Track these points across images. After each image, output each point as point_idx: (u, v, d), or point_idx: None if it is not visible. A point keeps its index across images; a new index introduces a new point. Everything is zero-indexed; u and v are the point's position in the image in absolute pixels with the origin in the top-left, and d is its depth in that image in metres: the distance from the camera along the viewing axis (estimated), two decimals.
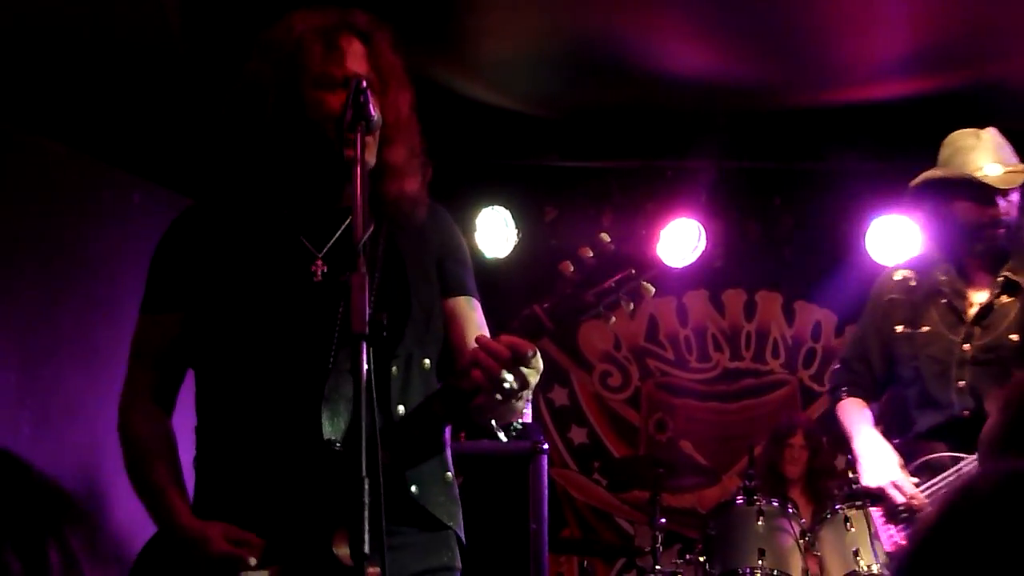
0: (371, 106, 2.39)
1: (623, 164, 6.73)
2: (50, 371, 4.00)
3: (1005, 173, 3.89)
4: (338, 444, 2.42)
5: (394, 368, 2.52)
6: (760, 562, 4.80)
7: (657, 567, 5.30)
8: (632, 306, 2.33)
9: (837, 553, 4.64)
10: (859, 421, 4.06)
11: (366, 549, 2.08)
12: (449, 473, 2.65)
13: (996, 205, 3.86)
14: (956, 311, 3.97)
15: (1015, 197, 3.89)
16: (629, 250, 2.33)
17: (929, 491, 3.89)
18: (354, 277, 2.18)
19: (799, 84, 6.13)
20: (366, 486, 2.11)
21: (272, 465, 2.47)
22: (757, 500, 4.98)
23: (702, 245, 6.49)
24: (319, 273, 2.56)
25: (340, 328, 2.49)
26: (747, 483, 5.15)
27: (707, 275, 7.01)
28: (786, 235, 7.06)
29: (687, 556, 5.31)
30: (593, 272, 2.32)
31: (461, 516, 2.67)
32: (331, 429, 2.43)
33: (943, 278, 3.99)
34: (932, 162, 5.50)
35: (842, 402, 4.14)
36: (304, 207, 2.59)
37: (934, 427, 3.92)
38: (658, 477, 5.47)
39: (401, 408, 2.52)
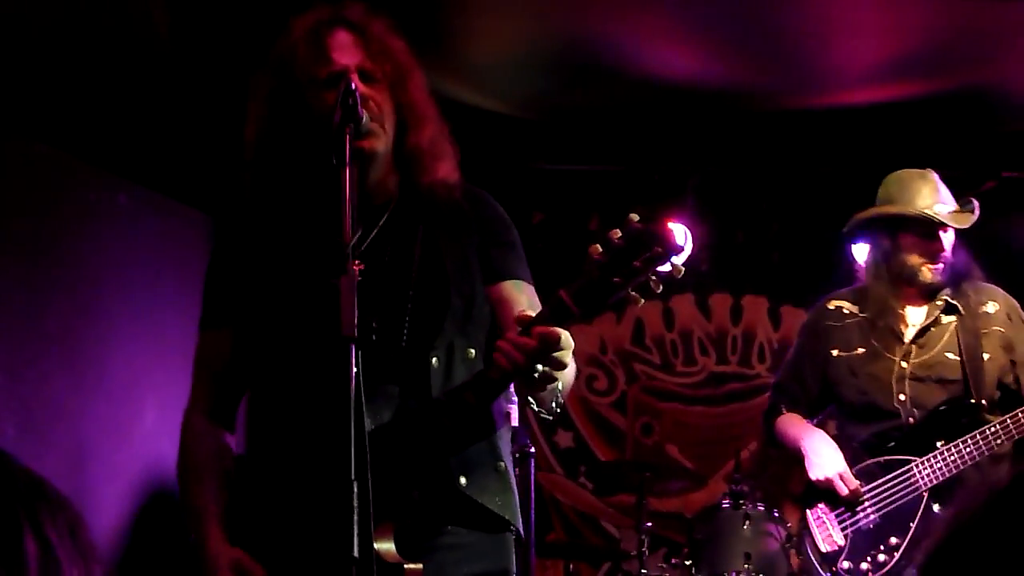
0: (359, 106, 2.39)
1: (610, 168, 6.73)
2: (34, 372, 3.98)
3: (955, 212, 4.20)
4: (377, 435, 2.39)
5: (434, 360, 2.50)
6: (746, 566, 4.80)
7: (643, 571, 5.30)
8: (661, 288, 2.25)
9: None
10: (803, 425, 4.35)
11: (355, 552, 2.07)
12: (502, 463, 2.60)
13: (939, 240, 4.17)
14: (894, 332, 4.24)
15: (952, 235, 4.20)
16: (658, 230, 2.23)
17: (871, 495, 4.16)
18: (343, 280, 2.18)
19: (786, 88, 6.14)
20: (355, 489, 2.10)
21: (306, 471, 2.45)
22: (743, 504, 4.97)
23: (688, 249, 6.49)
24: (356, 272, 2.55)
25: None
26: (733, 487, 5.15)
27: (693, 279, 7.00)
28: (772, 239, 7.08)
29: (673, 560, 5.31)
30: (620, 253, 2.24)
31: (518, 508, 2.62)
32: (372, 422, 2.41)
33: (876, 308, 4.26)
34: (916, 165, 5.55)
35: (782, 416, 4.40)
36: (332, 206, 2.51)
37: (879, 432, 4.18)
38: (644, 481, 5.47)
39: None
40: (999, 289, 4.34)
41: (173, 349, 4.68)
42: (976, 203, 4.25)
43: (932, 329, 4.21)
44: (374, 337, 2.21)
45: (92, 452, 4.28)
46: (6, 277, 3.92)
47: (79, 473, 4.22)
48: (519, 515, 2.62)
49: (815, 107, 6.30)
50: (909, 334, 4.23)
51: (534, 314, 2.38)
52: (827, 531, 4.23)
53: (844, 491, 4.13)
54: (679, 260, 2.24)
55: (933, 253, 4.18)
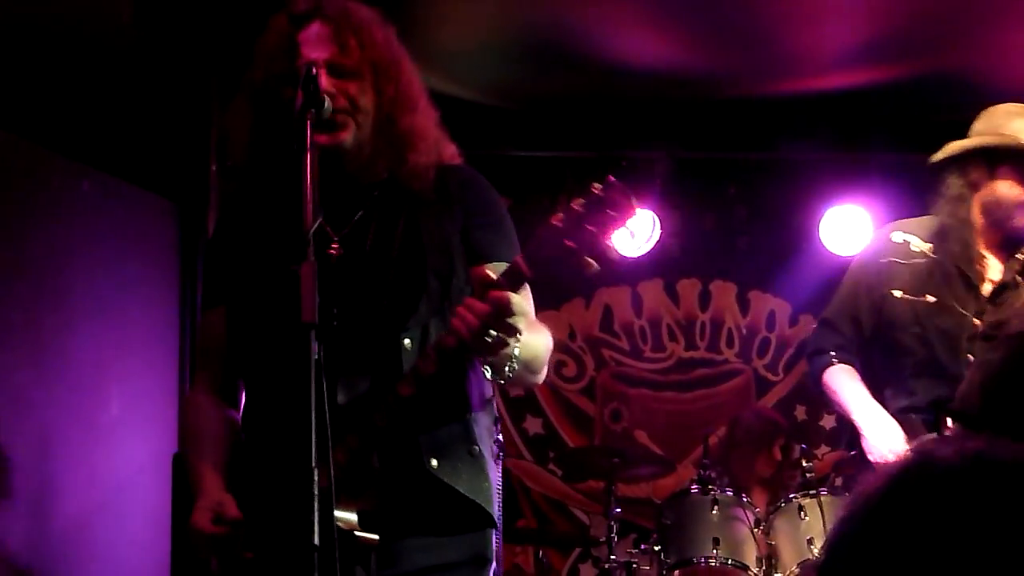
0: (321, 92, 2.40)
1: (578, 154, 6.72)
2: None
3: None
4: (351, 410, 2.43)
5: (407, 341, 2.52)
6: (715, 551, 4.82)
7: (612, 557, 5.31)
8: (617, 253, 2.30)
9: (791, 541, 4.68)
10: (857, 391, 3.87)
11: (316, 540, 2.07)
12: (477, 447, 2.59)
13: None
14: (971, 286, 3.81)
15: None
16: (612, 194, 2.26)
17: None
18: (303, 267, 2.18)
19: (753, 73, 6.16)
20: (315, 476, 2.10)
21: (283, 447, 2.44)
22: (711, 489, 4.99)
23: (656, 235, 6.51)
24: (334, 254, 2.58)
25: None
26: (702, 472, 5.16)
27: (662, 265, 7.01)
28: (740, 225, 7.09)
29: (642, 546, 5.33)
30: (576, 218, 2.27)
31: (494, 494, 2.62)
32: (345, 397, 2.46)
33: (957, 249, 3.82)
34: (884, 151, 5.54)
35: (832, 368, 3.93)
36: (324, 192, 2.49)
37: (940, 399, 3.71)
38: (613, 467, 5.48)
39: None
40: None
41: (138, 337, 4.66)
42: None
43: (1009, 290, 3.79)
44: (335, 323, 2.21)
45: (57, 441, 4.25)
46: None
47: (44, 463, 4.19)
48: (492, 501, 2.61)
49: (783, 93, 6.32)
50: (986, 289, 3.79)
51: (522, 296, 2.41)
52: None
53: None
54: (633, 224, 2.28)
55: None
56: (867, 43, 5.71)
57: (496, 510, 2.64)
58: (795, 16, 5.51)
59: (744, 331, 7.20)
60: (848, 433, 4.01)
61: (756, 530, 4.82)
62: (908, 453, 1.17)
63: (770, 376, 7.14)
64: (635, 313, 7.19)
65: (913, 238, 3.89)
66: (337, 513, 2.23)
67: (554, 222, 2.28)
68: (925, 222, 3.94)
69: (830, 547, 1.14)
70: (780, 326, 7.19)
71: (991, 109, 3.88)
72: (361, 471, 2.38)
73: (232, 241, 2.73)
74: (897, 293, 3.84)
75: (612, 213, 2.25)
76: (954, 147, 3.87)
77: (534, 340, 2.52)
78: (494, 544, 2.64)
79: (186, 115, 4.89)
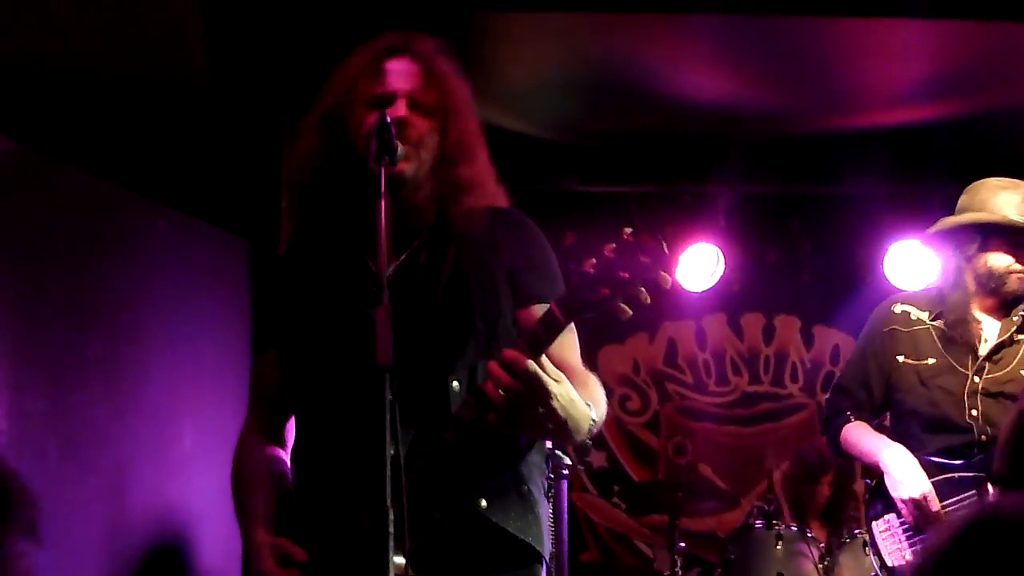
0: (395, 139, 2.45)
1: (642, 188, 6.76)
2: (77, 398, 4.04)
3: None
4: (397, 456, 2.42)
5: (454, 384, 2.53)
6: None
7: None
8: (649, 299, 2.27)
9: None
10: (878, 437, 4.15)
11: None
12: (526, 486, 2.61)
13: None
14: (969, 345, 4.09)
15: None
16: (645, 241, 2.26)
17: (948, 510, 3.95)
18: (379, 310, 2.23)
19: (816, 109, 6.17)
20: (391, 516, 2.15)
21: (336, 492, 2.52)
22: (776, 524, 4.99)
23: (720, 269, 6.53)
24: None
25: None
26: (766, 507, 5.16)
27: (726, 299, 7.03)
28: (804, 259, 7.10)
29: None
30: (610, 265, 2.27)
31: (543, 533, 2.63)
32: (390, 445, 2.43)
33: (953, 315, 4.11)
34: (947, 185, 5.51)
35: (850, 424, 4.21)
36: (368, 230, 2.49)
37: (948, 447, 4.02)
38: (677, 501, 5.49)
39: None
40: None
41: (210, 373, 4.74)
42: None
43: (1007, 347, 4.08)
44: (425, 364, 2.25)
45: (132, 475, 4.34)
46: (48, 303, 3.98)
47: (119, 496, 4.28)
48: (544, 539, 2.63)
49: (846, 128, 6.33)
50: (983, 349, 4.08)
51: (572, 338, 2.46)
52: (896, 546, 4.03)
53: (934, 509, 3.91)
54: (665, 271, 2.28)
55: (1023, 262, 4.05)
56: (929, 79, 5.72)
57: (547, 546, 2.65)
58: (858, 52, 5.52)
59: (808, 365, 7.20)
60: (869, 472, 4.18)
61: (820, 565, 4.81)
62: (974, 511, 1.24)
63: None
64: (699, 347, 7.21)
65: (912, 308, 4.21)
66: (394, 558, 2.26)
67: (587, 268, 2.29)
68: (921, 294, 4.30)
69: None
70: (844, 360, 7.16)
71: (976, 184, 4.18)
72: (410, 515, 2.32)
73: (287, 284, 2.74)
74: (901, 359, 4.16)
75: (644, 259, 2.25)
76: (948, 223, 4.18)
77: (571, 405, 2.44)
78: None
79: (258, 153, 4.99)
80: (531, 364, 2.31)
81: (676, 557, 5.39)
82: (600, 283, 2.28)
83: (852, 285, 6.85)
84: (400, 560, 2.29)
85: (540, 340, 2.35)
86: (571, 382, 2.45)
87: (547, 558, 2.65)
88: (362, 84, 2.64)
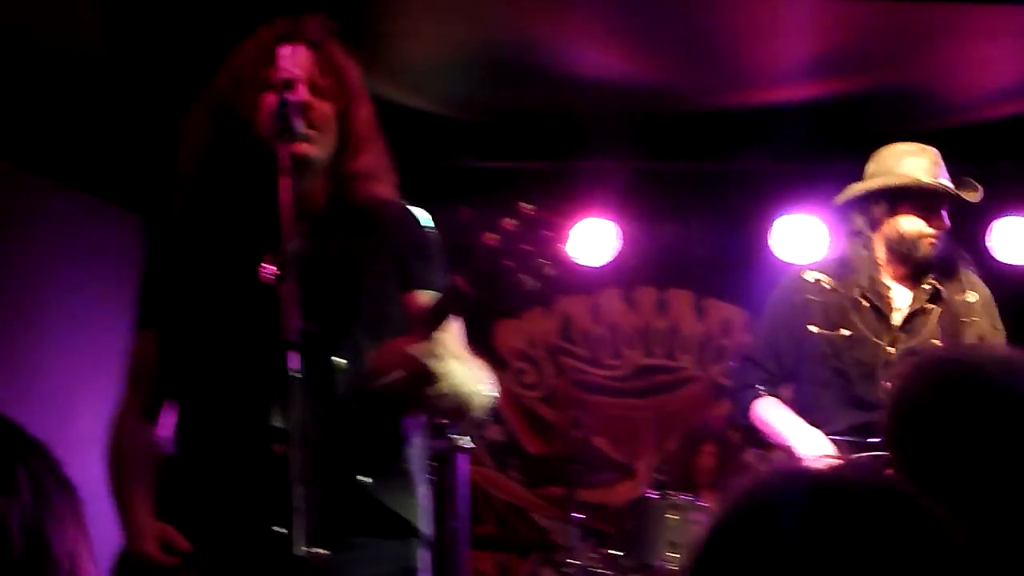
0: (294, 117, 2.48)
1: (538, 164, 6.80)
2: None
3: (960, 189, 3.99)
4: (286, 431, 2.44)
5: (342, 364, 2.57)
6: (673, 555, 4.91)
7: (573, 561, 5.39)
8: (552, 270, 2.35)
9: None
10: (787, 417, 4.03)
11: (300, 553, 2.14)
12: (407, 467, 2.68)
13: (941, 214, 3.98)
14: (882, 316, 4.00)
15: (945, 213, 4.00)
16: (545, 216, 2.35)
17: None
18: (283, 287, 2.25)
19: (708, 86, 6.25)
20: (299, 492, 2.17)
21: (222, 466, 2.55)
22: (669, 495, 5.09)
23: (616, 244, 6.61)
24: (268, 276, 2.58)
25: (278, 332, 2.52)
26: (659, 478, 5.26)
27: (620, 274, 7.11)
28: (696, 234, 7.19)
29: (602, 550, 5.42)
30: (512, 238, 2.34)
31: (424, 510, 2.70)
32: (281, 419, 2.46)
33: (864, 283, 4.03)
34: (833, 161, 5.64)
35: (761, 400, 4.09)
36: (262, 211, 2.58)
37: (857, 425, 3.91)
38: (573, 473, 5.57)
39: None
40: (978, 279, 4.14)
41: (108, 353, 4.69)
42: (975, 183, 4.04)
43: (919, 316, 4.00)
44: (315, 343, 2.28)
45: None
46: None
47: None
48: (423, 518, 2.70)
49: (737, 105, 6.42)
50: (896, 318, 4.00)
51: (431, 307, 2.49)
52: None
53: None
54: (565, 244, 2.36)
55: (934, 226, 3.97)
56: (820, 57, 5.82)
57: (425, 527, 2.71)
58: (751, 30, 5.60)
59: (700, 338, 7.31)
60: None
61: None
62: (753, 481, 1.24)
63: (726, 382, 7.25)
64: (594, 321, 7.29)
65: (823, 276, 4.07)
66: (276, 528, 2.32)
67: (489, 242, 2.36)
68: (831, 261, 4.14)
69: (693, 558, 1.24)
70: (736, 333, 7.31)
71: (883, 149, 4.12)
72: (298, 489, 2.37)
73: (174, 263, 2.73)
74: (813, 329, 4.01)
75: (545, 232, 2.34)
76: (856, 189, 4.10)
77: (464, 383, 2.56)
78: (420, 559, 2.70)
79: (155, 128, 4.93)
80: (413, 349, 2.39)
81: (572, 528, 5.47)
82: (503, 255, 2.34)
83: (743, 260, 6.97)
84: (282, 529, 2.32)
85: (430, 322, 2.42)
86: None
87: (425, 537, 2.71)
88: (256, 70, 2.65)
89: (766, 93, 6.30)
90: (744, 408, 4.14)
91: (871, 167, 4.14)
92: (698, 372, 7.29)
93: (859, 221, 4.09)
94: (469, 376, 2.58)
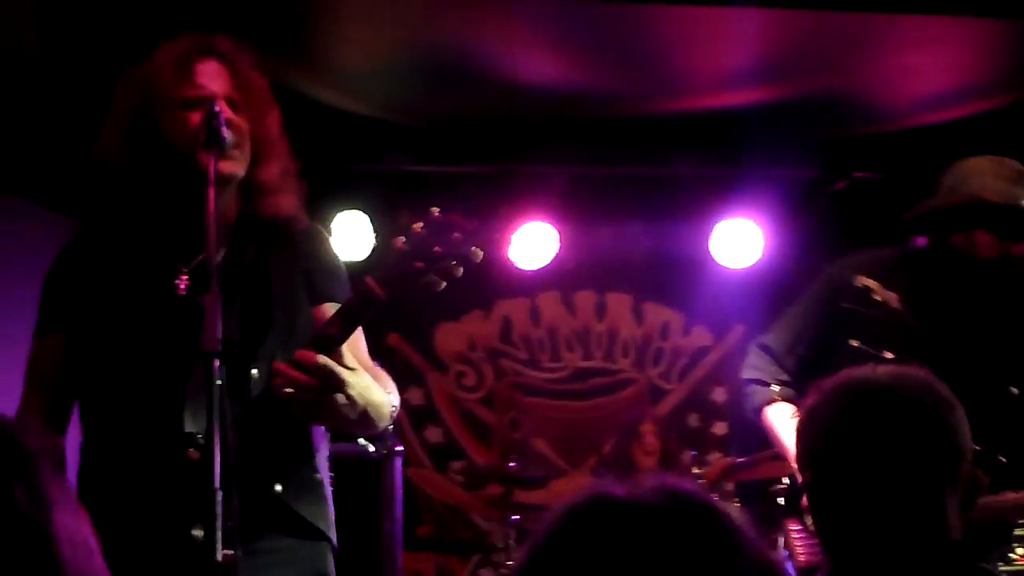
0: (223, 128, 2.51)
1: (478, 169, 6.82)
2: None
3: None
4: (200, 437, 2.50)
5: (255, 371, 2.63)
6: None
7: (511, 563, 5.43)
8: (461, 271, 2.45)
9: None
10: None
11: (219, 557, 2.17)
12: (318, 475, 2.74)
13: (1021, 243, 3.48)
14: (930, 342, 3.51)
15: None
16: (455, 219, 2.44)
17: None
18: (207, 297, 2.28)
19: (645, 92, 6.30)
20: (219, 498, 2.20)
21: (136, 471, 2.57)
22: None
23: (555, 248, 6.66)
24: (182, 287, 2.66)
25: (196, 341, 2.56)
26: (596, 478, 5.30)
27: (559, 277, 7.16)
28: (635, 238, 7.25)
29: None
30: (421, 240, 2.44)
31: (333, 519, 2.76)
32: (194, 425, 2.53)
33: (928, 308, 3.57)
34: (769, 167, 5.70)
35: (775, 405, 3.70)
36: (177, 224, 2.66)
37: None
38: (511, 474, 5.60)
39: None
40: None
41: (21, 354, 4.66)
42: None
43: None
44: (236, 351, 2.31)
45: None
46: None
47: None
48: (332, 526, 2.76)
49: (676, 111, 6.47)
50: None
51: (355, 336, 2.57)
52: (808, 545, 3.67)
53: None
54: (478, 247, 2.44)
55: (1013, 256, 3.46)
56: (756, 63, 5.89)
57: (333, 534, 2.77)
58: (687, 38, 5.66)
59: (639, 341, 7.37)
60: (739, 441, 4.09)
61: None
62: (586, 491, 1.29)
63: (664, 384, 7.33)
64: (533, 324, 7.33)
65: (876, 286, 3.59)
66: (193, 532, 2.37)
67: (398, 245, 2.44)
68: (888, 270, 3.64)
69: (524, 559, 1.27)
70: (674, 336, 7.38)
71: (963, 163, 3.59)
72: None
73: (83, 270, 2.75)
74: (854, 343, 3.55)
75: (455, 235, 2.42)
76: (930, 205, 3.57)
77: (368, 392, 2.61)
78: (331, 566, 2.76)
79: (73, 131, 4.90)
80: (321, 358, 2.45)
81: (510, 529, 5.50)
82: (413, 257, 2.43)
83: (681, 263, 7.05)
84: (198, 533, 2.34)
85: (339, 328, 2.50)
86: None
87: (334, 545, 2.77)
88: (173, 85, 2.67)
89: (702, 99, 6.36)
90: (757, 407, 3.76)
91: (948, 181, 3.60)
92: (636, 374, 7.35)
93: (935, 238, 3.60)
94: (374, 385, 2.65)
